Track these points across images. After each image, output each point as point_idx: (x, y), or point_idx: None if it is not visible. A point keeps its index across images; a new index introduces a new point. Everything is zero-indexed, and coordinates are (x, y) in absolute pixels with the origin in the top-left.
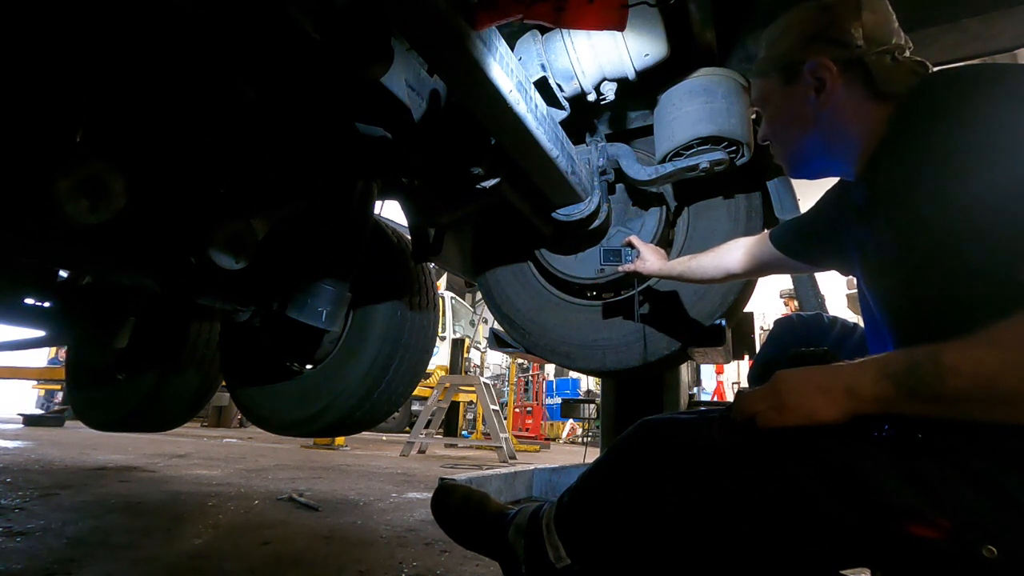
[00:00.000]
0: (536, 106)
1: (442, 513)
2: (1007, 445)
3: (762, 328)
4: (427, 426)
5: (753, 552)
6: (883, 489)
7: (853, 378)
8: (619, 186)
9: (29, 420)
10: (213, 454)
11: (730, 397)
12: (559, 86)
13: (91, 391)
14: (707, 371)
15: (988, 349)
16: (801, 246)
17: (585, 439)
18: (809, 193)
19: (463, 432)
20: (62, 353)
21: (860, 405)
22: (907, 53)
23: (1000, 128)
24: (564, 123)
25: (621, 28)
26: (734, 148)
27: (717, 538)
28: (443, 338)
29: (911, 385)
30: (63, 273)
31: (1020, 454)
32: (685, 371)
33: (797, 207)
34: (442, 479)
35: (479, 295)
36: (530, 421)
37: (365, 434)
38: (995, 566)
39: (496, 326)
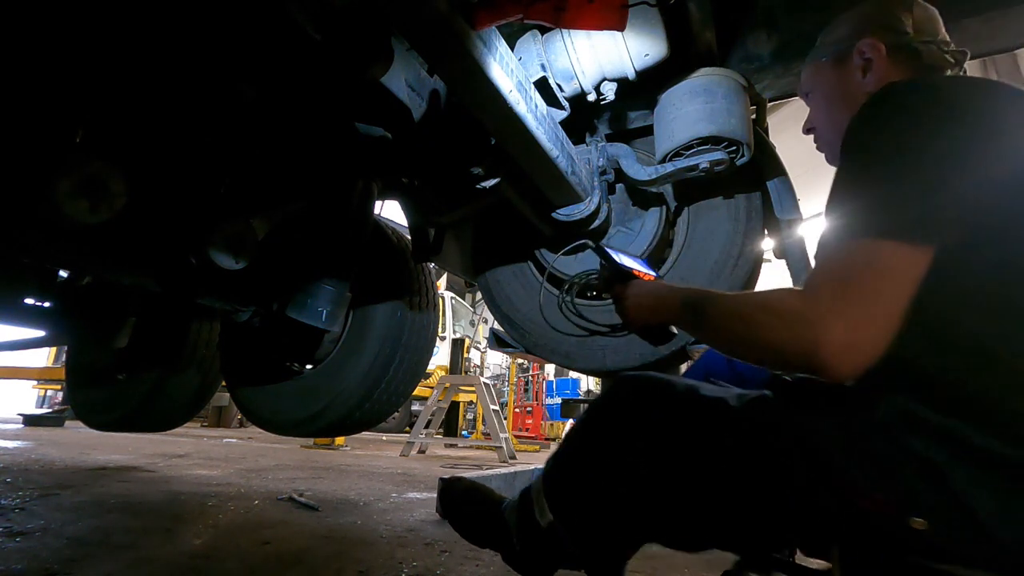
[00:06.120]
0: (536, 106)
1: (447, 502)
2: (943, 425)
3: None
4: (427, 426)
5: (713, 513)
6: (834, 463)
7: (666, 301)
8: (619, 186)
9: (29, 420)
10: (213, 454)
11: None
12: (559, 86)
13: (91, 391)
14: None
15: (730, 317)
16: None
17: None
18: (810, 194)
19: (463, 432)
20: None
21: (666, 319)
22: (954, 50)
23: (882, 151)
24: (564, 123)
25: (621, 28)
26: (734, 148)
27: (683, 497)
28: (443, 338)
29: (688, 316)
30: (63, 273)
31: (952, 433)
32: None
33: (797, 207)
34: (442, 479)
35: (479, 295)
36: (530, 421)
37: (365, 434)
38: (925, 537)
39: (496, 326)
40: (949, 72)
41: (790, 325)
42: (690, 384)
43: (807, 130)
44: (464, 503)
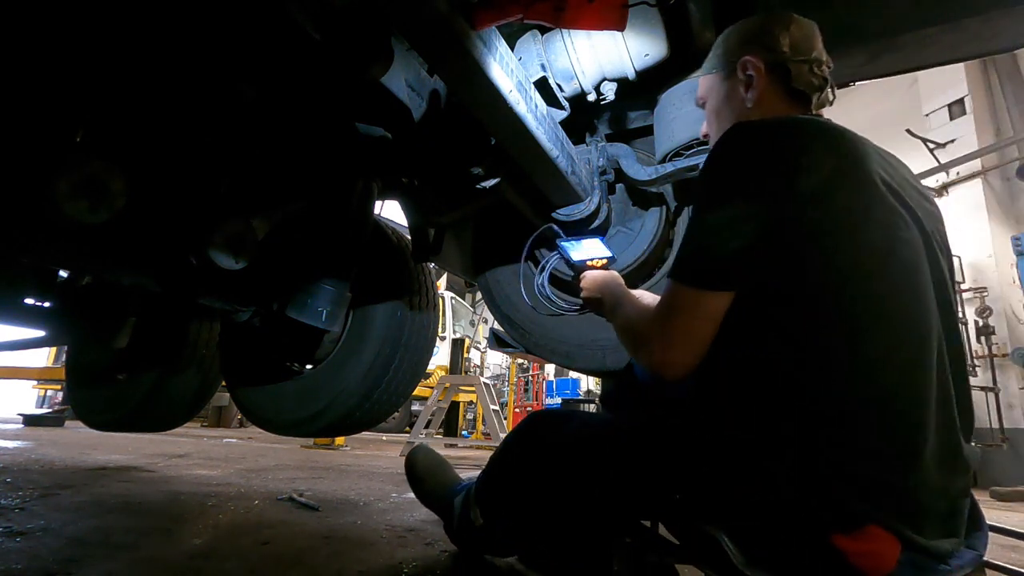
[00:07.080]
0: (536, 106)
1: (410, 471)
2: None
3: None
4: (427, 426)
5: (581, 512)
6: (664, 463)
7: (602, 299)
8: (619, 186)
9: (29, 420)
10: (213, 454)
11: None
12: (559, 86)
13: (91, 391)
14: None
15: (620, 326)
16: None
17: None
18: None
19: (463, 432)
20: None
21: (602, 313)
22: (825, 70)
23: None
24: (564, 123)
25: (621, 28)
26: None
27: (569, 507)
28: (443, 338)
29: (610, 317)
30: (63, 273)
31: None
32: None
33: None
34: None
35: (479, 295)
36: None
37: (365, 434)
38: (682, 506)
39: (496, 326)
40: (815, 95)
41: (636, 342)
42: (572, 414)
43: (703, 136)
44: (425, 476)
